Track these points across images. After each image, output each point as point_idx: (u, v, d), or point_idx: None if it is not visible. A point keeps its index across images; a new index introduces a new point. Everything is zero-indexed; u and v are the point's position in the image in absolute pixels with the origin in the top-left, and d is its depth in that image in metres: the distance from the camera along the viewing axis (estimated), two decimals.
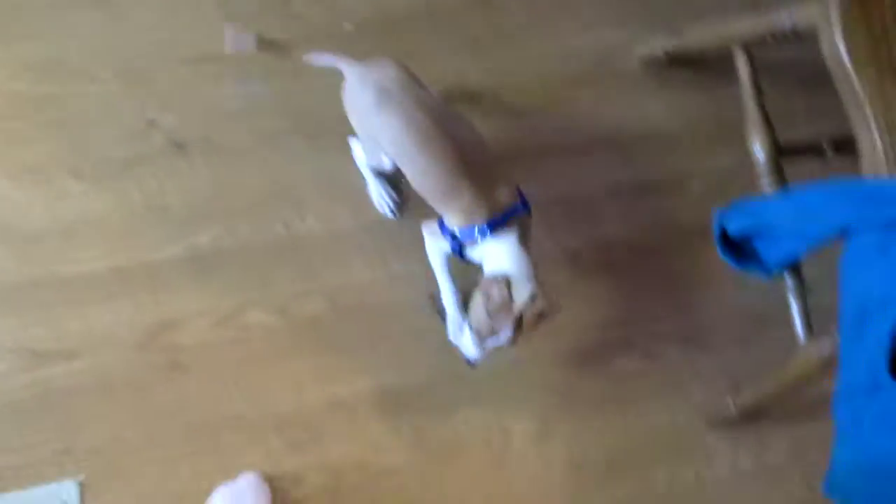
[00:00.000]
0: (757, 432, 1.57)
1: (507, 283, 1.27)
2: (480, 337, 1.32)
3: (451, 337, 1.40)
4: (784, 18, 1.26)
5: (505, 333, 1.28)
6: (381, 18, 1.63)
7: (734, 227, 1.27)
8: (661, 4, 1.71)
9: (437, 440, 1.47)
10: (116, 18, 1.55)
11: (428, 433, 1.47)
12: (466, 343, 1.35)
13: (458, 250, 1.34)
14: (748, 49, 1.39)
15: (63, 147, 1.49)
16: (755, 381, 1.43)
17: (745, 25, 1.37)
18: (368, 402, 1.46)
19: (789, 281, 1.29)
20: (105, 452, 1.39)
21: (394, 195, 1.54)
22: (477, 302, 1.31)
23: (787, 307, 1.31)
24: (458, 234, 1.32)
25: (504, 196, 1.32)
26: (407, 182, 1.37)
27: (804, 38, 1.26)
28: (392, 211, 1.53)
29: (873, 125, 1.07)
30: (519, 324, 1.28)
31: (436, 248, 1.40)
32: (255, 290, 1.48)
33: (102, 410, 1.41)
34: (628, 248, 1.60)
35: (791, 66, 1.70)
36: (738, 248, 1.30)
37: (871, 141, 1.08)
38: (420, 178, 1.33)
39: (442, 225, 1.35)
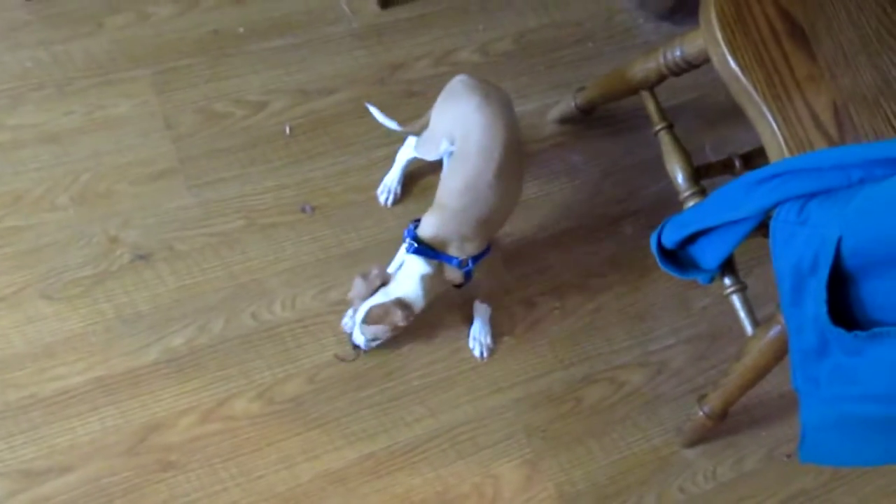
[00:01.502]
0: (733, 444, 1.66)
1: (385, 277, 1.48)
2: (366, 331, 1.49)
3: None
4: (676, 51, 1.42)
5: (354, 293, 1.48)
6: (315, 119, 1.75)
7: (669, 240, 1.38)
8: (565, 72, 1.88)
9: (431, 497, 1.51)
10: (68, 149, 1.64)
11: (421, 492, 1.51)
12: (357, 332, 1.51)
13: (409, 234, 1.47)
14: (651, 89, 1.55)
15: (32, 274, 1.54)
16: (718, 387, 1.52)
17: (643, 67, 1.52)
18: (359, 469, 1.51)
19: (727, 280, 1.40)
20: None
21: (399, 191, 1.68)
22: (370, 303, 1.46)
23: (732, 316, 1.42)
24: (412, 227, 1.47)
25: (466, 250, 1.45)
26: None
27: (696, 65, 1.43)
28: (389, 201, 1.69)
29: (771, 120, 1.20)
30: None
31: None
32: (235, 381, 1.53)
33: None
34: (578, 290, 1.70)
35: (691, 110, 1.88)
36: (678, 259, 1.41)
37: (772, 134, 1.21)
38: (455, 174, 1.44)
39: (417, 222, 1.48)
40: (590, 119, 1.81)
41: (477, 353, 1.62)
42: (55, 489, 1.42)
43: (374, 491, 1.50)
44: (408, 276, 1.45)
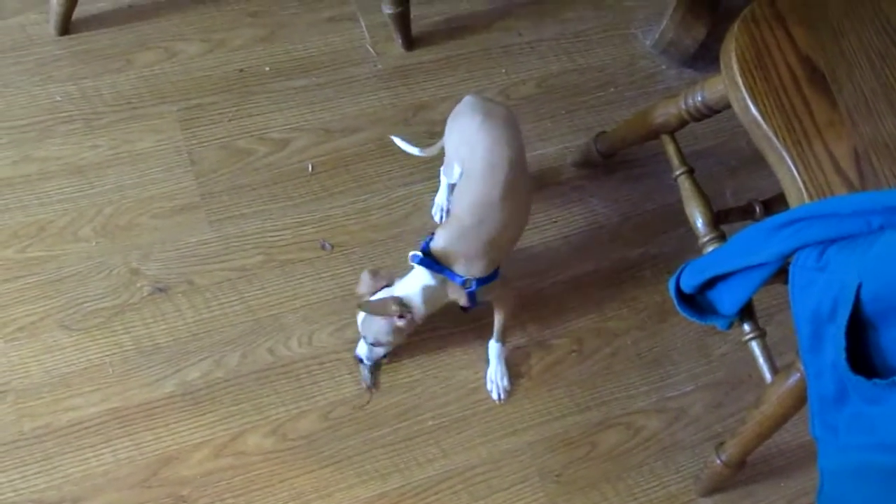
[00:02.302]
0: (751, 494, 1.63)
1: (390, 278, 1.49)
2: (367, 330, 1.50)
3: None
4: (697, 96, 1.43)
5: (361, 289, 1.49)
6: (337, 157, 1.77)
7: (688, 285, 1.37)
8: (586, 116, 1.89)
9: None
10: (92, 181, 1.66)
11: None
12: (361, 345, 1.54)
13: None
14: (672, 133, 1.55)
15: (53, 304, 1.55)
16: (736, 435, 1.50)
17: (664, 112, 1.53)
18: None
19: (746, 326, 1.39)
20: None
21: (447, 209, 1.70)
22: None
23: (751, 363, 1.40)
24: (429, 238, 1.47)
25: (471, 270, 1.44)
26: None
27: (717, 110, 1.43)
28: (441, 218, 1.71)
29: (791, 166, 1.20)
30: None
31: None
32: (249, 416, 1.53)
33: None
34: (596, 334, 1.69)
35: (712, 156, 1.88)
36: (696, 304, 1.40)
37: (792, 180, 1.21)
38: (464, 192, 1.46)
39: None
40: (610, 163, 1.81)
41: (494, 395, 1.61)
42: None
43: None
44: (411, 283, 1.45)
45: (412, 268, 1.46)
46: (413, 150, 1.72)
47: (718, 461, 1.51)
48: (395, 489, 1.51)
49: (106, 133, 1.72)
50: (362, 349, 1.54)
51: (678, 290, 1.40)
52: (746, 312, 1.40)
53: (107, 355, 1.53)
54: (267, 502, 1.47)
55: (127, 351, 1.54)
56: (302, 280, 1.64)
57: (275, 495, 1.48)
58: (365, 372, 1.57)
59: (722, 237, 1.45)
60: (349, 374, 1.58)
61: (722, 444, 1.51)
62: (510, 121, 1.50)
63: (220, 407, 1.53)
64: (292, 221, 1.68)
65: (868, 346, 1.06)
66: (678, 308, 1.40)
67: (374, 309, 1.45)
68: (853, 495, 1.16)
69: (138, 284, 1.59)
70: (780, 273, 1.20)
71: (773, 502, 1.62)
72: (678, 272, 1.39)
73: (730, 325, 1.39)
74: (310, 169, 1.74)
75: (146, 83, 1.78)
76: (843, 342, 1.05)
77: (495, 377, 1.60)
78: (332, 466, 1.51)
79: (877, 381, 1.02)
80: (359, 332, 1.52)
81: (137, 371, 1.53)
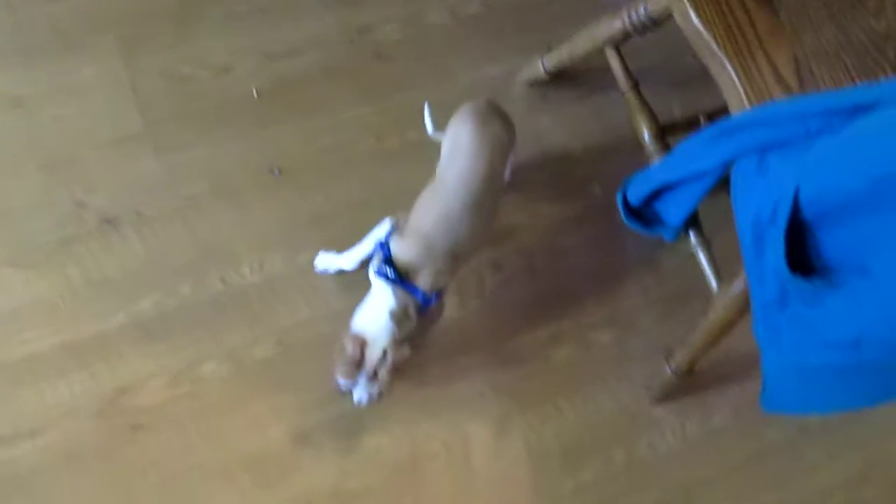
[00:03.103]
0: (701, 402, 1.67)
1: (360, 341, 1.36)
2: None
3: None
4: (640, 9, 1.42)
5: (347, 377, 1.38)
6: (282, 82, 1.74)
7: (634, 197, 1.39)
8: (533, 34, 1.87)
9: (402, 456, 1.53)
10: (32, 115, 1.63)
11: (392, 451, 1.53)
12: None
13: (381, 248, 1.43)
14: (617, 48, 1.55)
15: None
16: (685, 344, 1.53)
17: (609, 26, 1.52)
18: (330, 431, 1.52)
19: (693, 237, 1.41)
20: None
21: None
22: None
23: (699, 276, 1.43)
24: (383, 242, 1.43)
25: (434, 282, 1.41)
26: None
27: (660, 23, 1.43)
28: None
29: (732, 73, 1.21)
30: (375, 375, 1.38)
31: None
32: (204, 344, 1.53)
33: (74, 482, 1.42)
34: (547, 252, 1.71)
35: (659, 72, 1.88)
36: (643, 216, 1.42)
37: (733, 87, 1.21)
38: (433, 199, 1.44)
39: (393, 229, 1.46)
40: (559, 81, 1.80)
41: (357, 397, 1.44)
42: (24, 453, 1.43)
43: (344, 450, 1.51)
44: (379, 320, 1.38)
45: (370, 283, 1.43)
46: (429, 125, 1.65)
47: (668, 370, 1.55)
48: (351, 410, 1.52)
49: (44, 65, 1.68)
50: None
51: (625, 203, 1.42)
52: (692, 223, 1.42)
53: (56, 289, 1.52)
54: (224, 427, 1.49)
55: (76, 284, 1.53)
56: (251, 207, 1.63)
57: (233, 420, 1.50)
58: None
59: (667, 149, 1.46)
60: (302, 298, 1.59)
61: (671, 353, 1.55)
62: (502, 140, 1.49)
63: (173, 336, 1.53)
64: (239, 148, 1.67)
65: (807, 249, 1.08)
66: (625, 220, 1.42)
67: (392, 374, 1.39)
68: (795, 394, 1.21)
69: (85, 217, 1.57)
70: (726, 183, 1.22)
71: (722, 406, 1.66)
72: (625, 184, 1.41)
73: (676, 236, 1.41)
74: (255, 94, 1.72)
75: (83, 14, 1.74)
76: (782, 245, 1.07)
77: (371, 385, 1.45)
78: (289, 390, 1.53)
79: (815, 280, 1.04)
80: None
81: (88, 304, 1.52)
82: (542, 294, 1.68)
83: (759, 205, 1.13)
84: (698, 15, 1.23)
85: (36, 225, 1.56)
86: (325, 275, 1.59)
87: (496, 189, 1.49)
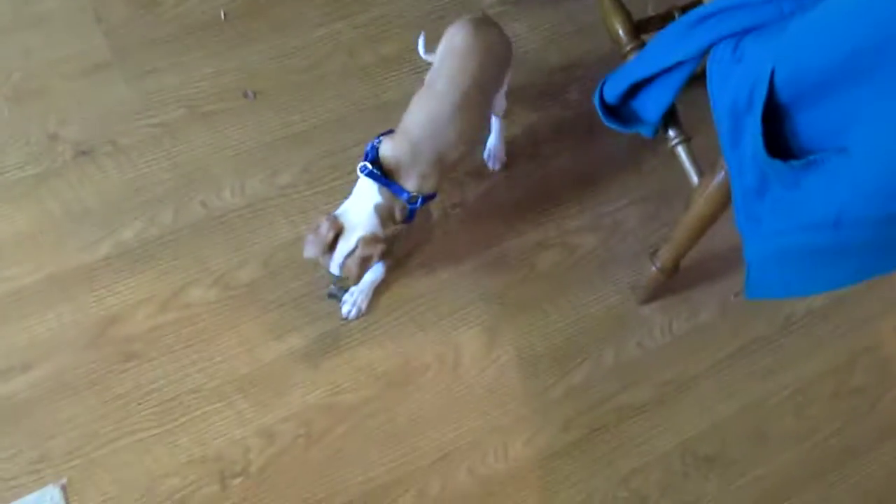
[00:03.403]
0: (687, 299, 1.69)
1: (336, 225, 1.38)
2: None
3: None
4: None
5: (309, 252, 1.41)
6: (250, 2, 1.71)
7: (611, 95, 1.37)
8: None
9: (394, 368, 1.54)
10: None
11: (384, 364, 1.54)
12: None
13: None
14: None
15: None
16: (668, 240, 1.54)
17: None
18: (320, 346, 1.53)
19: (671, 132, 1.41)
20: (80, 451, 1.42)
21: None
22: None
23: (681, 174, 1.42)
24: (374, 145, 1.43)
25: (420, 185, 1.41)
26: None
27: None
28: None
29: None
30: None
31: None
32: (189, 270, 1.53)
33: (69, 412, 1.43)
34: (527, 158, 1.70)
35: None
36: (621, 115, 1.41)
37: None
38: (421, 101, 1.43)
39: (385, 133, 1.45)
40: None
41: (345, 310, 1.55)
42: (18, 386, 1.43)
43: (337, 366, 1.52)
44: (362, 207, 1.40)
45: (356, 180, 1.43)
46: (421, 49, 1.62)
47: (654, 268, 1.56)
48: (341, 325, 1.54)
49: None
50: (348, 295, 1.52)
51: (602, 102, 1.41)
52: (671, 119, 1.41)
53: (37, 223, 1.52)
54: (217, 350, 1.50)
55: (56, 217, 1.52)
56: (227, 130, 1.61)
57: (224, 343, 1.50)
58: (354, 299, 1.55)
59: (643, 46, 1.45)
60: (285, 219, 1.58)
61: (656, 251, 1.55)
62: (495, 47, 1.47)
63: (158, 264, 1.53)
64: (211, 72, 1.65)
65: (784, 132, 1.08)
66: (603, 119, 1.41)
67: (359, 270, 1.40)
68: (777, 279, 1.21)
69: (59, 149, 1.56)
70: (703, 77, 1.20)
71: (708, 302, 1.68)
72: (601, 83, 1.39)
73: (655, 132, 1.40)
74: (223, 16, 1.69)
75: None
76: (759, 129, 1.07)
77: (357, 296, 1.55)
78: (278, 310, 1.53)
79: (793, 162, 1.04)
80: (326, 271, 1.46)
81: (70, 236, 1.52)
82: (525, 201, 1.68)
83: (735, 91, 1.12)
84: None
85: (10, 160, 1.54)
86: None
87: (486, 95, 1.48)
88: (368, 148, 1.43)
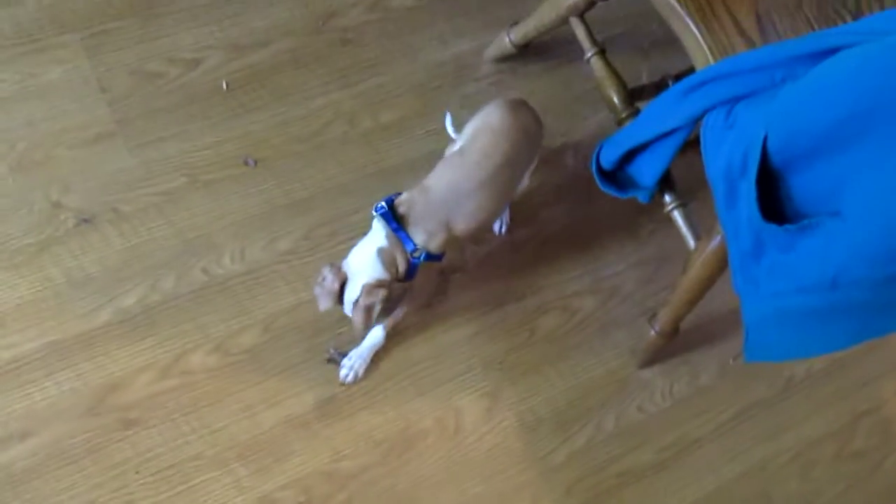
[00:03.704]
0: (687, 361, 1.70)
1: (340, 274, 1.44)
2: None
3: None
4: None
5: (323, 305, 1.46)
6: (251, 72, 1.74)
7: (607, 161, 1.40)
8: (498, 9, 1.88)
9: (394, 434, 1.53)
10: (2, 118, 1.62)
11: (384, 430, 1.53)
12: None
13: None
14: (581, 15, 1.56)
15: None
16: (667, 304, 1.55)
17: None
18: (320, 413, 1.52)
19: (667, 197, 1.43)
20: None
21: None
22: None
23: (678, 238, 1.43)
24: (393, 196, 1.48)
25: (431, 242, 1.45)
26: None
27: None
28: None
29: (695, 30, 1.22)
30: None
31: None
32: (190, 336, 1.53)
33: (67, 481, 1.42)
34: (526, 223, 1.72)
35: (626, 40, 1.89)
36: (617, 180, 1.43)
37: (697, 44, 1.23)
38: (448, 167, 1.49)
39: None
40: (526, 55, 1.81)
41: (343, 374, 1.55)
42: (16, 455, 1.42)
43: (337, 432, 1.51)
44: (365, 256, 1.44)
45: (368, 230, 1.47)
46: (449, 128, 1.68)
47: (653, 331, 1.57)
48: (342, 391, 1.54)
49: (10, 68, 1.67)
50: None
51: (599, 168, 1.43)
52: (667, 184, 1.43)
53: (38, 290, 1.52)
54: (217, 417, 1.49)
55: (58, 284, 1.53)
56: (228, 197, 1.63)
57: (224, 410, 1.50)
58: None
59: (637, 113, 1.47)
60: (286, 285, 1.59)
61: (654, 314, 1.56)
62: (530, 130, 1.53)
63: (159, 330, 1.53)
64: (213, 140, 1.67)
65: (779, 196, 1.10)
66: (599, 184, 1.43)
67: (368, 315, 1.43)
68: (776, 341, 1.22)
69: (62, 217, 1.57)
70: (698, 141, 1.23)
71: (708, 365, 1.68)
72: (597, 149, 1.42)
73: (651, 197, 1.42)
74: (224, 86, 1.71)
75: (46, 14, 1.73)
76: (754, 194, 1.08)
77: (355, 361, 1.55)
78: (277, 376, 1.53)
79: (787, 226, 1.06)
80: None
81: (71, 303, 1.52)
82: (524, 265, 1.69)
83: (729, 156, 1.14)
84: None
85: (13, 228, 1.55)
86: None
87: (514, 174, 1.52)
88: (385, 198, 1.47)
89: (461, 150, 1.50)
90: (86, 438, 1.45)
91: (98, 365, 1.49)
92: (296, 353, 1.55)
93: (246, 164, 1.66)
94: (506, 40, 1.77)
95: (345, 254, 1.56)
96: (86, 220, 1.57)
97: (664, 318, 1.54)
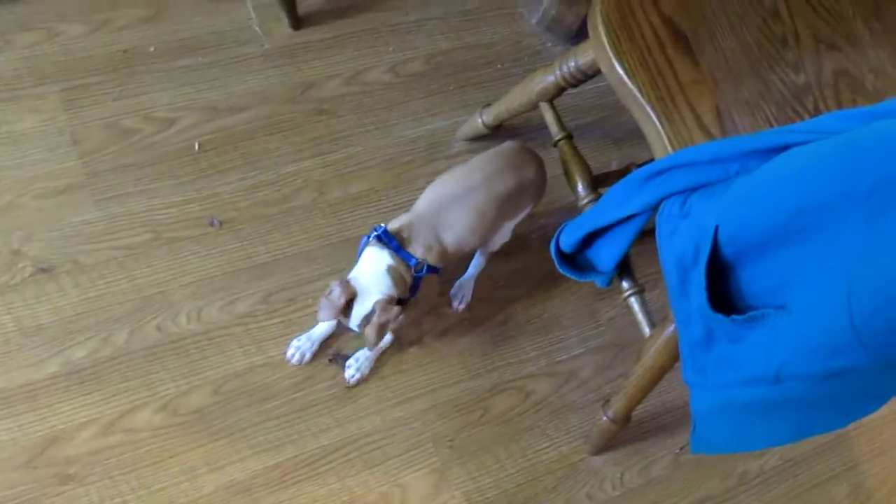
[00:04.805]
0: (640, 450, 1.68)
1: (349, 290, 1.42)
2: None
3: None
4: (571, 62, 1.47)
5: (324, 317, 1.45)
6: (225, 135, 1.76)
7: (567, 244, 1.41)
8: (474, 91, 1.92)
9: None
10: None
11: (327, 502, 1.50)
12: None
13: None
14: (551, 101, 1.59)
15: None
16: (620, 391, 1.54)
17: (542, 79, 1.57)
18: (264, 480, 1.49)
19: (625, 283, 1.44)
20: None
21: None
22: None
23: (637, 325, 1.44)
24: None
25: (429, 256, 1.47)
26: None
27: (590, 75, 1.48)
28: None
29: (656, 120, 1.25)
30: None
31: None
32: (138, 393, 1.51)
33: None
34: (486, 302, 1.72)
35: (597, 129, 1.93)
36: (576, 263, 1.44)
37: (657, 134, 1.25)
38: (441, 182, 1.53)
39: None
40: (499, 135, 1.84)
41: (348, 375, 1.59)
42: None
43: (279, 502, 1.48)
44: (375, 274, 1.43)
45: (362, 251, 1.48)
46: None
47: (605, 417, 1.56)
48: (288, 459, 1.52)
49: None
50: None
51: (558, 251, 1.44)
52: (625, 270, 1.44)
53: None
54: (157, 478, 1.46)
55: (8, 332, 1.51)
56: (190, 257, 1.63)
57: (165, 471, 1.47)
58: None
59: (599, 199, 1.49)
60: (240, 348, 1.58)
61: (608, 400, 1.55)
62: (537, 181, 1.58)
63: (107, 385, 1.51)
64: (179, 199, 1.67)
65: (729, 287, 1.11)
66: (558, 267, 1.43)
67: (378, 334, 1.43)
68: (722, 432, 1.21)
69: (20, 265, 1.56)
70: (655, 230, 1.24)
71: (661, 457, 1.67)
72: (558, 232, 1.43)
73: (609, 282, 1.43)
74: (196, 147, 1.73)
75: (27, 64, 1.75)
76: (703, 283, 1.09)
77: (362, 362, 1.60)
78: (224, 440, 1.51)
79: (735, 317, 1.06)
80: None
81: (19, 352, 1.50)
82: (481, 344, 1.69)
83: (682, 245, 1.15)
84: (622, 65, 1.27)
85: None
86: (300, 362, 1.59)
87: (498, 200, 1.52)
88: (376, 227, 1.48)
89: (452, 167, 1.54)
90: (21, 492, 1.41)
91: (40, 417, 1.46)
92: (244, 417, 1.53)
93: (211, 224, 1.66)
94: (478, 121, 1.80)
95: (303, 321, 1.56)
96: (44, 270, 1.56)
97: (617, 404, 1.53)
